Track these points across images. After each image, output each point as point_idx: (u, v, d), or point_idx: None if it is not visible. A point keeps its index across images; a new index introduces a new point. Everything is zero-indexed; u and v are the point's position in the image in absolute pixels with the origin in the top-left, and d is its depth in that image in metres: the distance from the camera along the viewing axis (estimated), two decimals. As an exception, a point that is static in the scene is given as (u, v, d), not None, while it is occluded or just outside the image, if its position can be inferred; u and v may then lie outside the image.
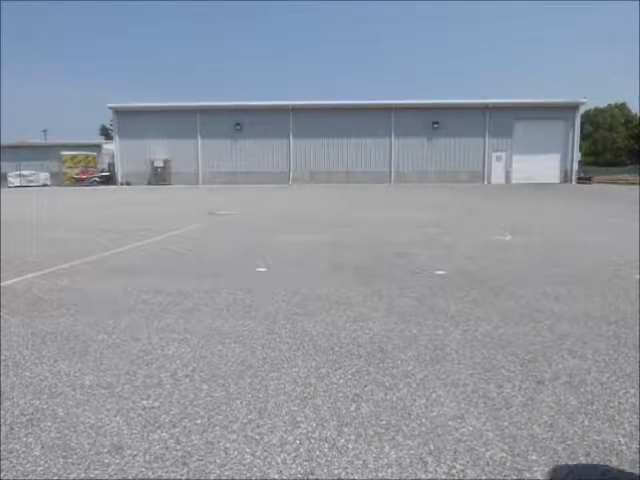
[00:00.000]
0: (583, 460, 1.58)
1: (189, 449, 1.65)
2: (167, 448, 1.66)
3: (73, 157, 34.78)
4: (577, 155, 30.41)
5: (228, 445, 1.68)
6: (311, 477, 1.50)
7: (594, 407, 1.93)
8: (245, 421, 1.84)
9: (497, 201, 14.73)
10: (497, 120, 29.90)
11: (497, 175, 30.33)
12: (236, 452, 1.64)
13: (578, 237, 6.74)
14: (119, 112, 31.17)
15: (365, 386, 2.13)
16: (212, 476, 1.51)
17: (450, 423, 1.81)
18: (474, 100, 30.76)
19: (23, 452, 1.64)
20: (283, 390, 2.10)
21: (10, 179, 34.33)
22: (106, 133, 58.30)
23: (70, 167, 34.33)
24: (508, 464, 1.56)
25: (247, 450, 1.65)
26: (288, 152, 30.99)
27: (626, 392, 2.06)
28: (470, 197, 16.61)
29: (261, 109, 30.98)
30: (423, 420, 1.83)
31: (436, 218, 9.42)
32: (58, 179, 34.47)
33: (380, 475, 1.51)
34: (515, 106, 30.04)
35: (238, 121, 30.71)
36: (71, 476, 1.51)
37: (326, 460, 1.59)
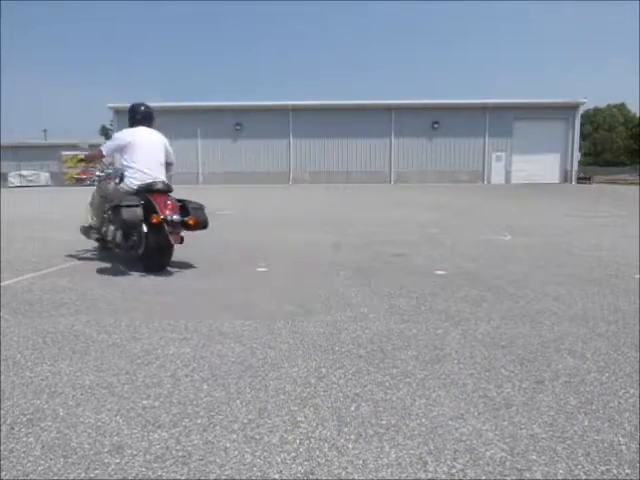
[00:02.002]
0: (583, 460, 1.58)
1: (189, 449, 1.66)
2: (167, 448, 1.66)
3: (73, 157, 34.77)
4: (577, 155, 30.41)
5: (228, 445, 1.68)
6: (311, 477, 1.51)
7: (594, 407, 1.93)
8: (245, 421, 1.84)
9: (497, 201, 14.74)
10: (497, 120, 29.89)
11: (497, 175, 30.33)
12: (236, 452, 1.64)
13: (578, 237, 6.74)
14: (119, 112, 31.16)
15: (365, 386, 2.13)
16: (212, 476, 1.51)
17: (450, 423, 1.81)
18: (474, 100, 30.78)
19: (23, 452, 1.64)
20: (283, 390, 2.10)
21: (10, 179, 34.33)
22: (106, 133, 58.29)
23: (70, 167, 34.32)
24: (508, 464, 1.56)
25: (247, 450, 1.65)
26: (288, 152, 30.99)
27: (626, 392, 2.06)
28: (470, 197, 16.61)
29: (261, 109, 30.98)
30: (423, 420, 1.83)
31: (436, 218, 9.43)
32: (58, 179, 34.48)
33: (380, 475, 1.51)
34: (515, 106, 30.05)
35: (238, 121, 30.70)
36: (71, 476, 1.51)
37: (326, 460, 1.59)
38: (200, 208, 4.64)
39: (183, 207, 4.51)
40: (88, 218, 5.33)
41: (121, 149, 4.78)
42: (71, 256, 5.34)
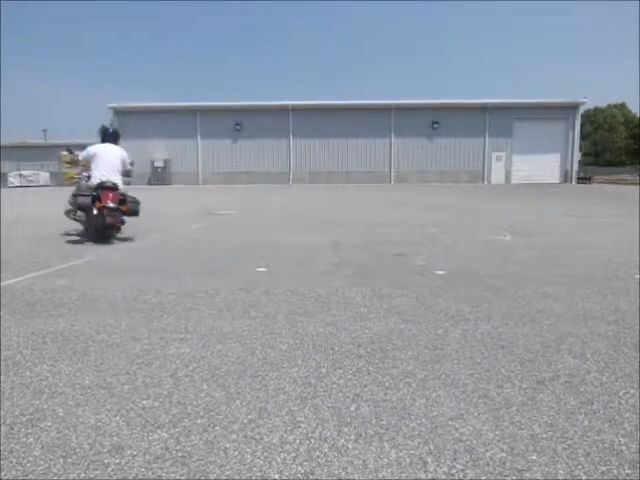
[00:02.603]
0: (583, 460, 1.58)
1: (189, 449, 1.65)
2: (167, 448, 1.66)
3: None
4: (577, 155, 30.39)
5: (228, 445, 1.68)
6: (311, 477, 1.50)
7: (594, 407, 1.93)
8: (245, 421, 1.84)
9: (497, 201, 14.74)
10: (497, 120, 29.87)
11: (497, 175, 30.32)
12: (236, 452, 1.64)
13: (578, 237, 6.74)
14: (119, 112, 31.16)
15: (365, 386, 2.13)
16: (212, 476, 1.51)
17: (450, 423, 1.81)
18: (474, 100, 30.75)
19: (23, 452, 1.64)
20: (283, 390, 2.10)
21: (10, 179, 34.28)
22: (106, 133, 58.11)
23: (70, 167, 34.29)
24: (508, 464, 1.56)
25: (247, 450, 1.65)
26: (288, 152, 30.98)
27: (626, 392, 2.06)
28: (470, 197, 16.61)
29: (261, 109, 30.96)
30: (423, 420, 1.83)
31: (436, 218, 9.42)
32: (58, 179, 34.44)
33: (380, 475, 1.51)
34: (515, 106, 30.01)
35: (238, 121, 30.69)
36: (71, 476, 1.51)
37: (326, 460, 1.59)
38: (135, 202, 6.87)
39: (123, 200, 6.61)
40: (69, 205, 7.28)
41: (90, 157, 6.91)
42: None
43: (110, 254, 5.65)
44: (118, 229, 6.61)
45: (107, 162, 6.80)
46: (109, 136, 7.23)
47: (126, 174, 7.13)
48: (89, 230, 6.63)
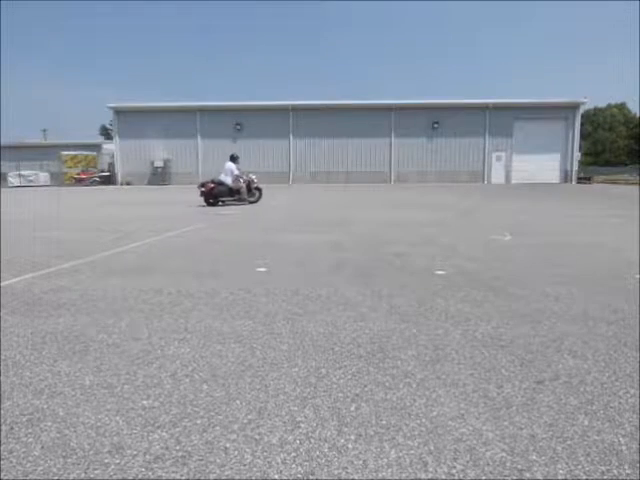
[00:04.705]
0: (583, 460, 1.58)
1: (189, 449, 1.65)
2: (167, 448, 1.66)
3: (73, 157, 34.76)
4: (577, 155, 30.39)
5: (228, 445, 1.68)
6: (311, 477, 1.50)
7: (594, 407, 1.93)
8: (245, 421, 1.84)
9: (497, 201, 14.74)
10: (497, 120, 29.88)
11: (497, 175, 30.32)
12: (236, 452, 1.64)
13: (578, 237, 6.74)
14: (119, 112, 31.16)
15: (365, 386, 2.13)
16: (212, 476, 1.51)
17: (450, 423, 1.81)
18: (474, 100, 30.76)
19: (23, 452, 1.64)
20: (283, 390, 2.10)
21: (10, 179, 34.27)
22: (106, 133, 58.28)
23: (70, 167, 34.31)
24: (508, 464, 1.56)
25: (247, 450, 1.65)
26: (288, 152, 30.98)
27: (626, 392, 2.06)
28: (470, 197, 16.61)
29: (261, 109, 30.96)
30: (423, 420, 1.83)
31: (436, 218, 9.42)
32: (58, 179, 34.45)
33: (380, 475, 1.51)
34: (515, 106, 30.03)
35: (238, 121, 30.69)
36: (71, 476, 1.51)
37: (326, 460, 1.59)
38: (221, 191, 13.39)
39: (214, 187, 13.26)
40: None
41: (223, 169, 13.84)
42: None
43: (110, 255, 5.65)
44: (219, 201, 13.22)
45: (225, 171, 13.49)
46: (231, 158, 13.94)
47: (236, 178, 13.42)
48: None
